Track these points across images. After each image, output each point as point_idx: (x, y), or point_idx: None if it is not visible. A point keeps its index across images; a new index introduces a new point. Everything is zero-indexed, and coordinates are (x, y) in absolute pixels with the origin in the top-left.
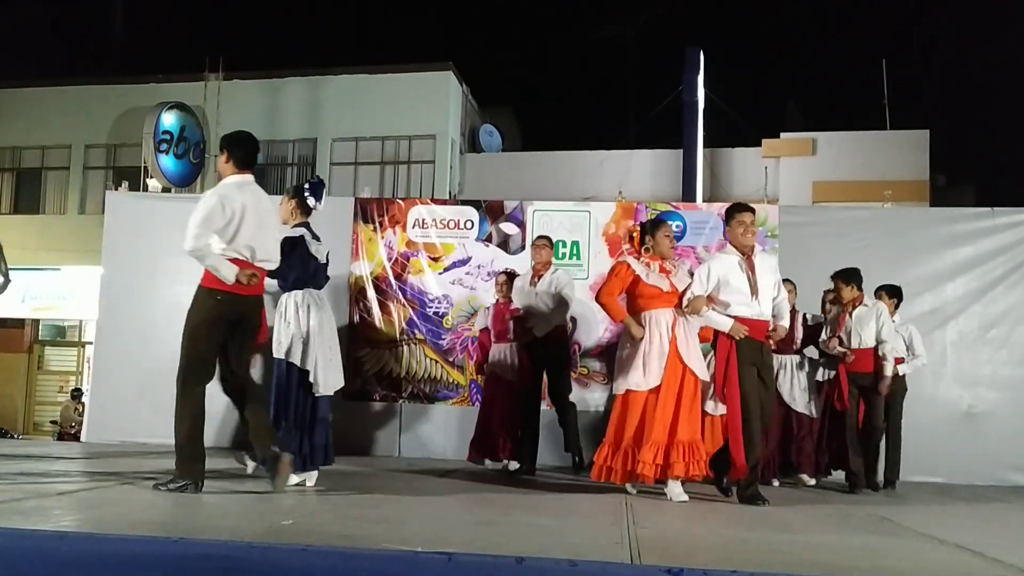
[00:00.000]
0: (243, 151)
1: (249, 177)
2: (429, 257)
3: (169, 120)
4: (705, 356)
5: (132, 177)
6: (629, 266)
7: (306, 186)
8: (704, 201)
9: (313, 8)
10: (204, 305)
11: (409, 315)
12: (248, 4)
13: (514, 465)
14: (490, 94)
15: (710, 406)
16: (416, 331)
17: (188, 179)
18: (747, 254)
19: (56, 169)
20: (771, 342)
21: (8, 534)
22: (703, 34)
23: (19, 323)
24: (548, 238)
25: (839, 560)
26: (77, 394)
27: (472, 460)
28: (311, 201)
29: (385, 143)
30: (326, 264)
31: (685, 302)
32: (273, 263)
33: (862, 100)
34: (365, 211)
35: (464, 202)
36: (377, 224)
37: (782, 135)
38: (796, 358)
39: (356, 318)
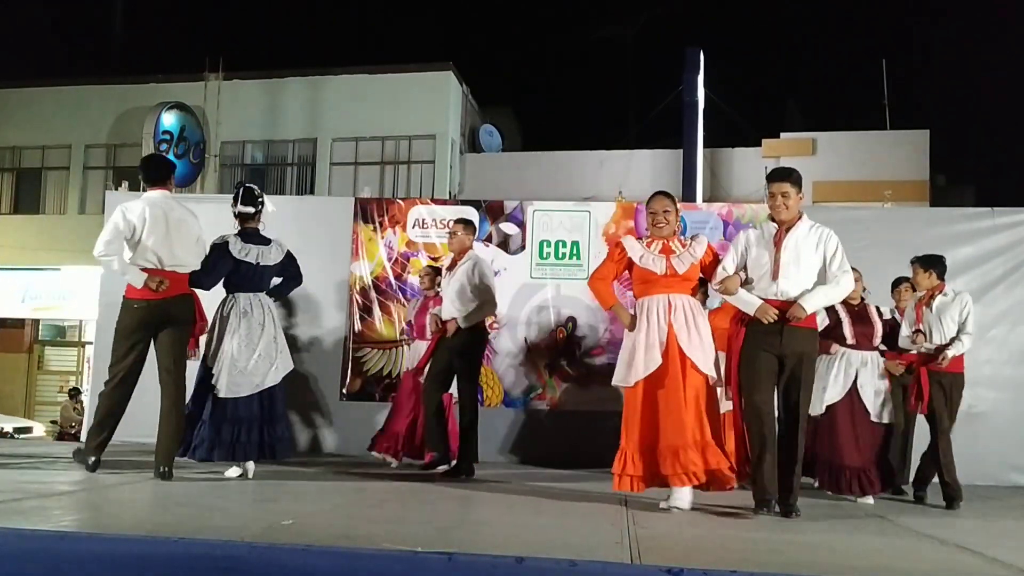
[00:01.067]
0: (146, 171)
1: (159, 192)
2: (429, 257)
3: (169, 120)
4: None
5: (132, 177)
6: (623, 246)
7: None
8: (704, 201)
9: (313, 8)
10: (123, 314)
11: (409, 315)
12: (248, 4)
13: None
14: (490, 94)
15: (723, 403)
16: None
17: (188, 179)
18: (782, 227)
19: (56, 169)
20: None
21: (8, 534)
22: (703, 34)
23: (19, 323)
24: (465, 221)
25: (839, 560)
26: (75, 393)
27: (371, 451)
28: (236, 208)
29: (385, 143)
30: (274, 265)
31: (716, 281)
32: (186, 267)
33: (862, 100)
34: (365, 211)
35: (464, 202)
36: (377, 224)
37: (782, 135)
38: (875, 356)
39: (356, 318)
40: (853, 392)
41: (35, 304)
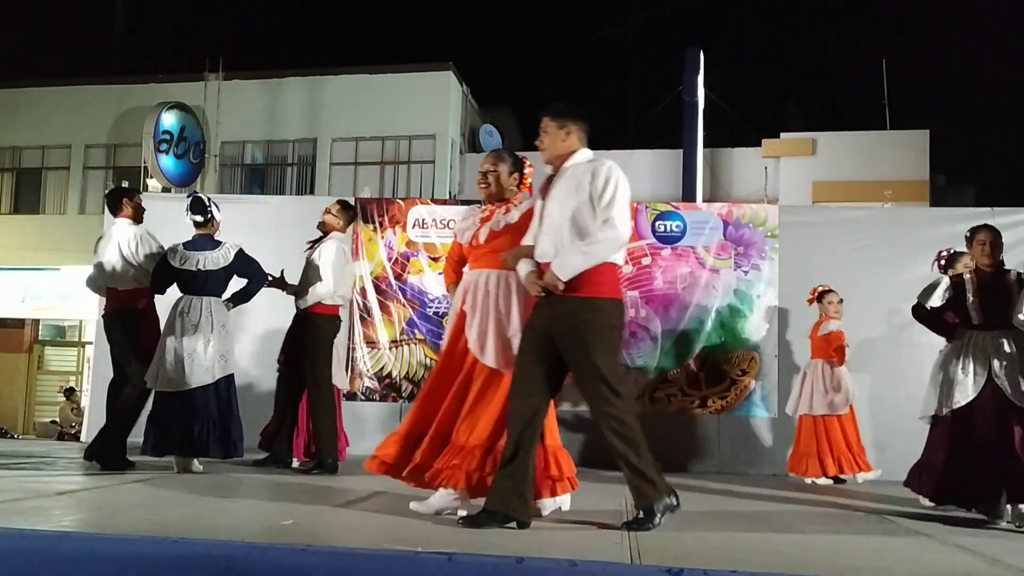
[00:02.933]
0: (109, 206)
1: (118, 220)
2: (429, 257)
3: (169, 120)
4: None
5: (132, 177)
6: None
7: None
8: (704, 201)
9: (313, 8)
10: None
11: (409, 315)
12: (248, 4)
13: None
14: (490, 94)
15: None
16: (416, 331)
17: (188, 179)
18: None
19: (56, 169)
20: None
21: (8, 534)
22: (703, 34)
23: (19, 323)
24: (341, 202)
25: (839, 560)
26: (70, 393)
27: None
28: (187, 218)
29: (385, 143)
30: (220, 269)
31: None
32: (116, 281)
33: (862, 100)
34: (365, 211)
35: (464, 202)
36: (377, 224)
37: (782, 135)
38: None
39: (356, 318)
40: (991, 384)
41: (35, 304)
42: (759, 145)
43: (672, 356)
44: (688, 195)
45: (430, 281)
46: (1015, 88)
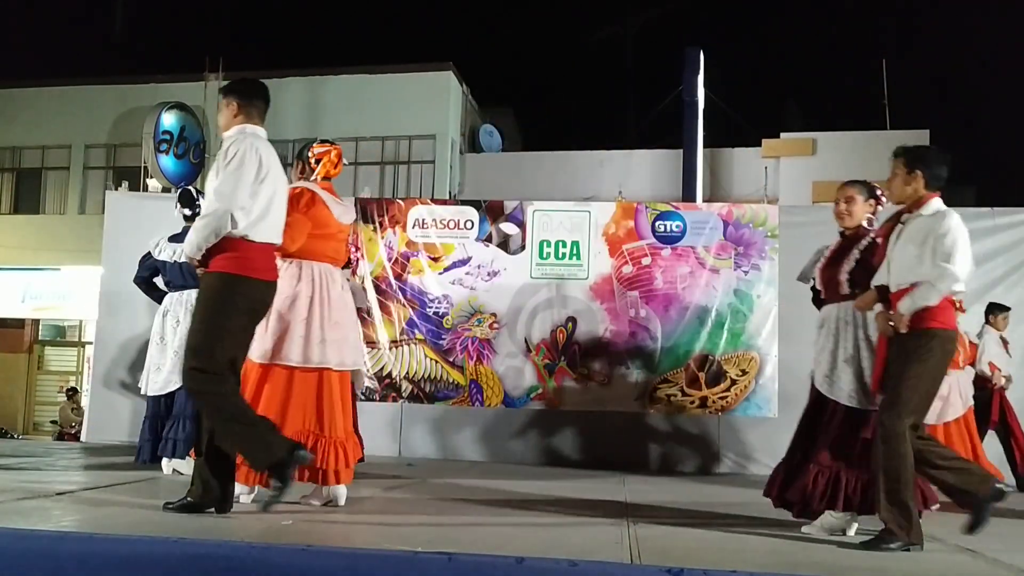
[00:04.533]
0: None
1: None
2: (429, 257)
3: (169, 120)
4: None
5: (132, 177)
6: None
7: None
8: (704, 201)
9: (313, 8)
10: None
11: (409, 315)
12: (248, 4)
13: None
14: (490, 94)
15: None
16: (416, 331)
17: (188, 179)
18: None
19: (56, 169)
20: None
21: (8, 534)
22: (703, 34)
23: (19, 323)
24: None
25: (839, 560)
26: (72, 393)
27: None
28: (176, 211)
29: (385, 143)
30: (177, 263)
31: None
32: None
33: (862, 100)
34: (365, 211)
35: (464, 202)
36: (377, 224)
37: (782, 135)
38: None
39: None
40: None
41: (35, 304)
42: (759, 145)
43: (672, 356)
44: (688, 195)
45: (430, 281)
46: (1015, 88)
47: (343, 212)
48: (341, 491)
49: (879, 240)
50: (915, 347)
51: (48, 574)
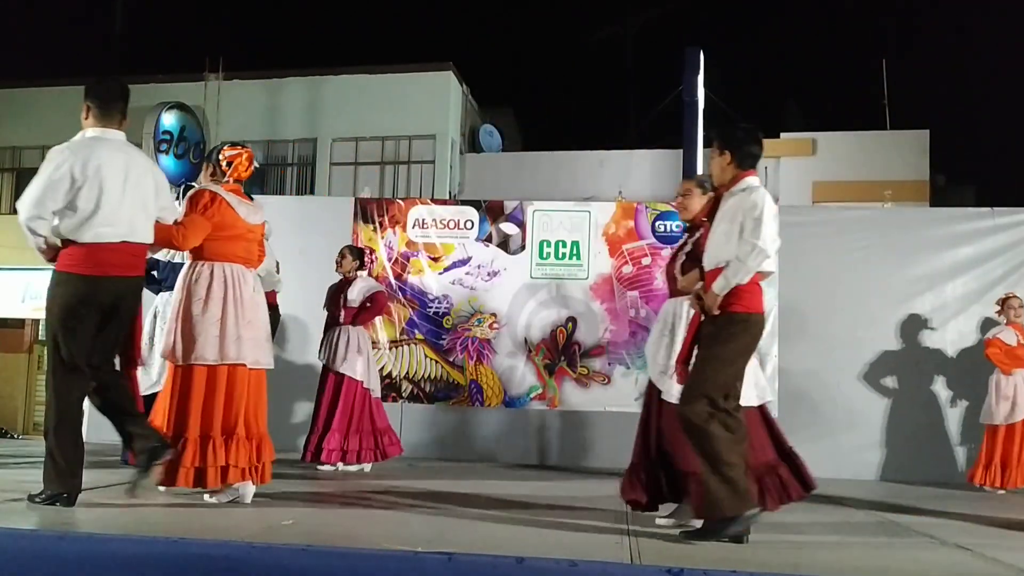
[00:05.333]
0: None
1: None
2: (429, 257)
3: (169, 120)
4: None
5: None
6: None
7: None
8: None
9: (313, 8)
10: None
11: (409, 315)
12: (248, 4)
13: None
14: (490, 94)
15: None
16: (416, 331)
17: (188, 179)
18: None
19: None
20: None
21: (8, 534)
22: (703, 34)
23: (19, 323)
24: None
25: (839, 560)
26: None
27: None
28: (180, 208)
29: (385, 143)
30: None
31: None
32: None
33: (862, 100)
34: (365, 211)
35: (464, 202)
36: (377, 224)
37: (782, 135)
38: None
39: None
40: None
41: (35, 304)
42: None
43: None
44: None
45: (430, 281)
46: (1015, 88)
47: (249, 212)
48: (249, 489)
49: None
50: (718, 331)
51: (48, 574)
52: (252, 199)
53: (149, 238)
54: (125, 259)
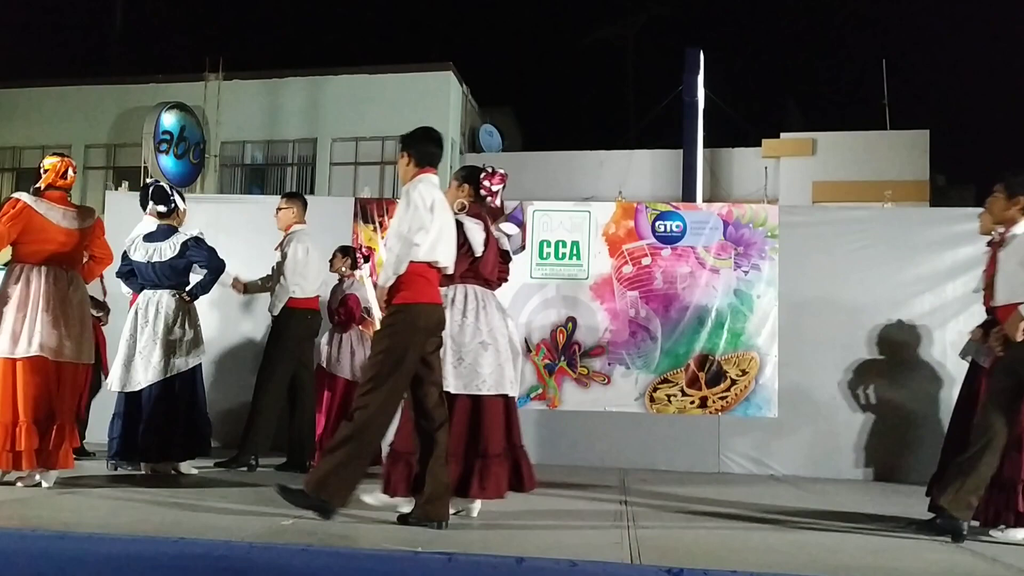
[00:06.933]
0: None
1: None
2: None
3: (169, 120)
4: None
5: (132, 177)
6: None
7: None
8: (704, 201)
9: (313, 8)
10: None
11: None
12: (248, 4)
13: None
14: (490, 94)
15: None
16: None
17: (188, 179)
18: None
19: None
20: None
21: (8, 534)
22: (703, 34)
23: None
24: (291, 195)
25: (839, 560)
26: None
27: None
28: (151, 208)
29: (385, 143)
30: (169, 260)
31: None
32: None
33: (862, 100)
34: (365, 211)
35: None
36: (377, 224)
37: (782, 135)
38: None
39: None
40: None
41: None
42: (759, 145)
43: (672, 356)
44: (688, 195)
45: None
46: (1015, 88)
47: (63, 218)
48: (50, 475)
49: None
50: (383, 325)
51: (48, 574)
52: (77, 207)
53: None
54: None
